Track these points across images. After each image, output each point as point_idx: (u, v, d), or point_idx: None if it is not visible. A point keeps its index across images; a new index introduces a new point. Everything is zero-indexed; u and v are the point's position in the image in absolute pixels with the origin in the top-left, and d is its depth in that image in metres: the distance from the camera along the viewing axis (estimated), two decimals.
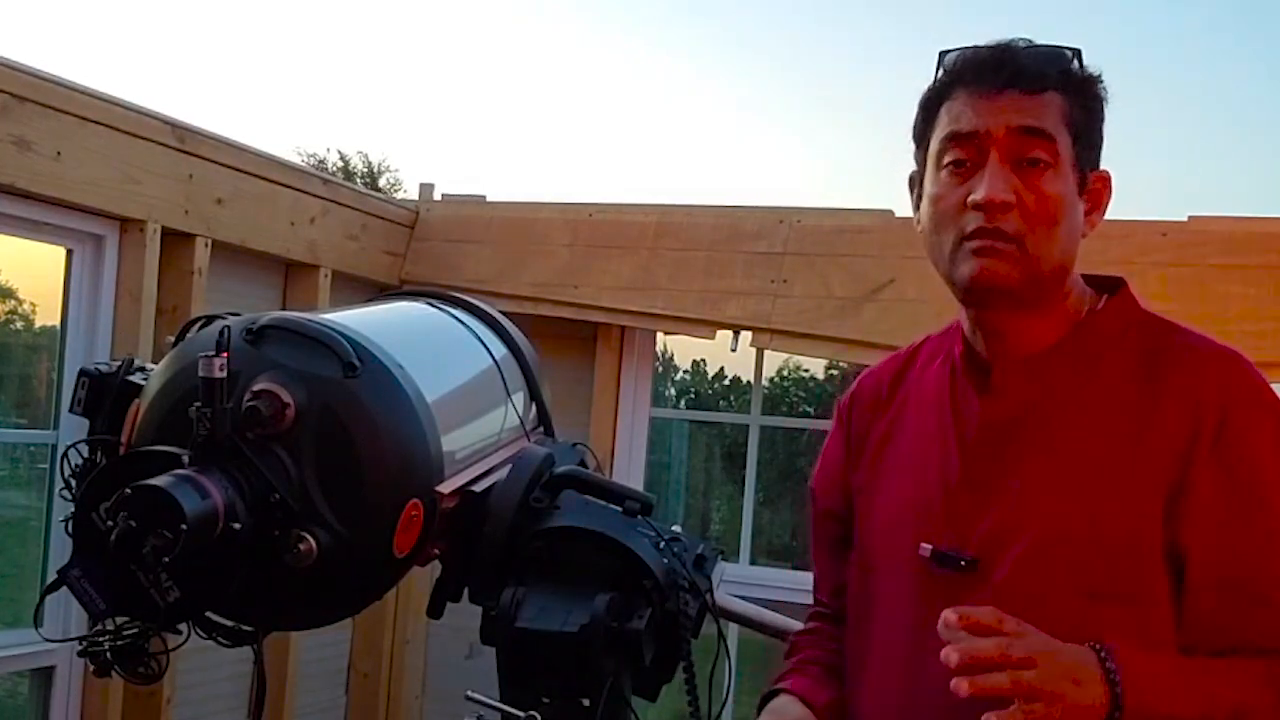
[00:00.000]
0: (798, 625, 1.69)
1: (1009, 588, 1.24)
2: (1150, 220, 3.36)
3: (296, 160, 4.30)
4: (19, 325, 3.90)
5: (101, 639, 1.15)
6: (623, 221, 3.98)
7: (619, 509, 1.27)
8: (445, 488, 1.21)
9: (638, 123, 45.89)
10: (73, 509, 1.12)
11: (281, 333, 1.17)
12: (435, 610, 1.31)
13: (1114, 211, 1.39)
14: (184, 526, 1.00)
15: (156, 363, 1.26)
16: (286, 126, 39.65)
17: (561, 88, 44.83)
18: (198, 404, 1.08)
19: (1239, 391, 1.27)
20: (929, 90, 1.36)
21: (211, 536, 1.05)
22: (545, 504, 1.27)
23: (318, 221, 3.69)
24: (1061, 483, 1.28)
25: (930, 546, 1.31)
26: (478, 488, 1.27)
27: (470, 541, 1.25)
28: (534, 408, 1.49)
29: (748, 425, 4.14)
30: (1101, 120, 1.34)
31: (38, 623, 1.24)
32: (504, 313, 1.52)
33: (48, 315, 3.31)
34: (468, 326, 1.46)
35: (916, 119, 1.38)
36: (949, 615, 1.15)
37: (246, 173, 3.38)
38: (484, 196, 4.33)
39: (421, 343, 1.38)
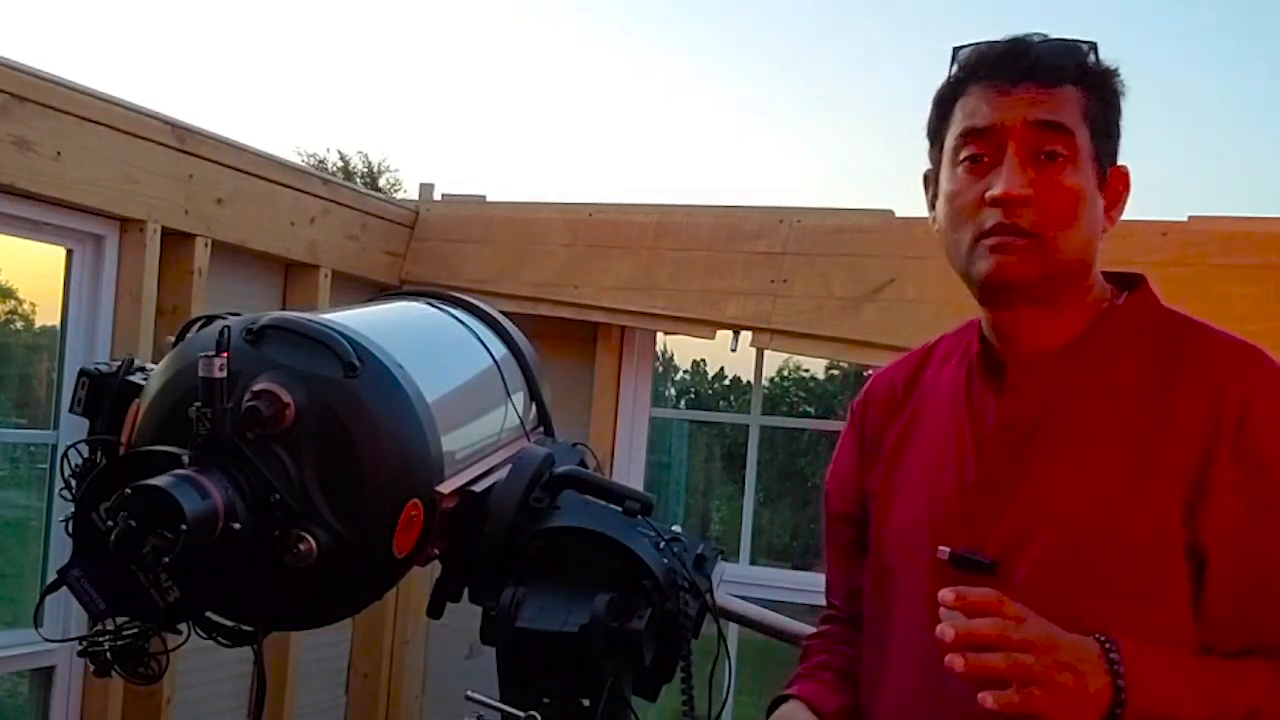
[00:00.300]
0: (797, 625, 1.69)
1: (1028, 589, 1.22)
2: (1150, 220, 3.36)
3: (296, 160, 4.30)
4: (19, 325, 3.90)
5: (101, 639, 1.15)
6: (622, 221, 3.98)
7: (619, 509, 1.27)
8: (445, 488, 1.21)
9: (638, 123, 45.91)
10: (73, 509, 1.12)
11: (281, 333, 1.17)
12: (435, 610, 1.31)
13: None
14: (184, 526, 1.00)
15: (156, 363, 1.26)
16: (286, 126, 39.67)
17: (561, 88, 44.85)
18: (198, 404, 1.08)
19: (1260, 387, 1.25)
20: (943, 86, 1.33)
21: (211, 536, 1.05)
22: (545, 504, 1.27)
23: (318, 221, 3.69)
24: (1080, 482, 1.26)
25: (948, 549, 1.28)
26: (478, 488, 1.27)
27: (470, 541, 1.25)
28: (534, 408, 1.49)
29: (748, 425, 4.14)
30: (1119, 114, 1.32)
31: (38, 623, 1.24)
32: (504, 313, 1.52)
33: (48, 315, 3.32)
34: (468, 326, 1.46)
35: (930, 116, 1.35)
36: (945, 594, 1.14)
37: (246, 173, 3.38)
38: (484, 196, 4.33)
39: (421, 343, 1.38)
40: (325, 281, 3.73)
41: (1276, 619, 1.22)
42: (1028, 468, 1.29)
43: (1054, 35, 1.31)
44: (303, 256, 3.66)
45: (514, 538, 1.24)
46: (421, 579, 1.58)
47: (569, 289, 3.93)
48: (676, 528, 1.30)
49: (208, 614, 1.16)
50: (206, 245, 3.25)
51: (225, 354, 1.08)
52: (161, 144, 3.09)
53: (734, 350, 3.85)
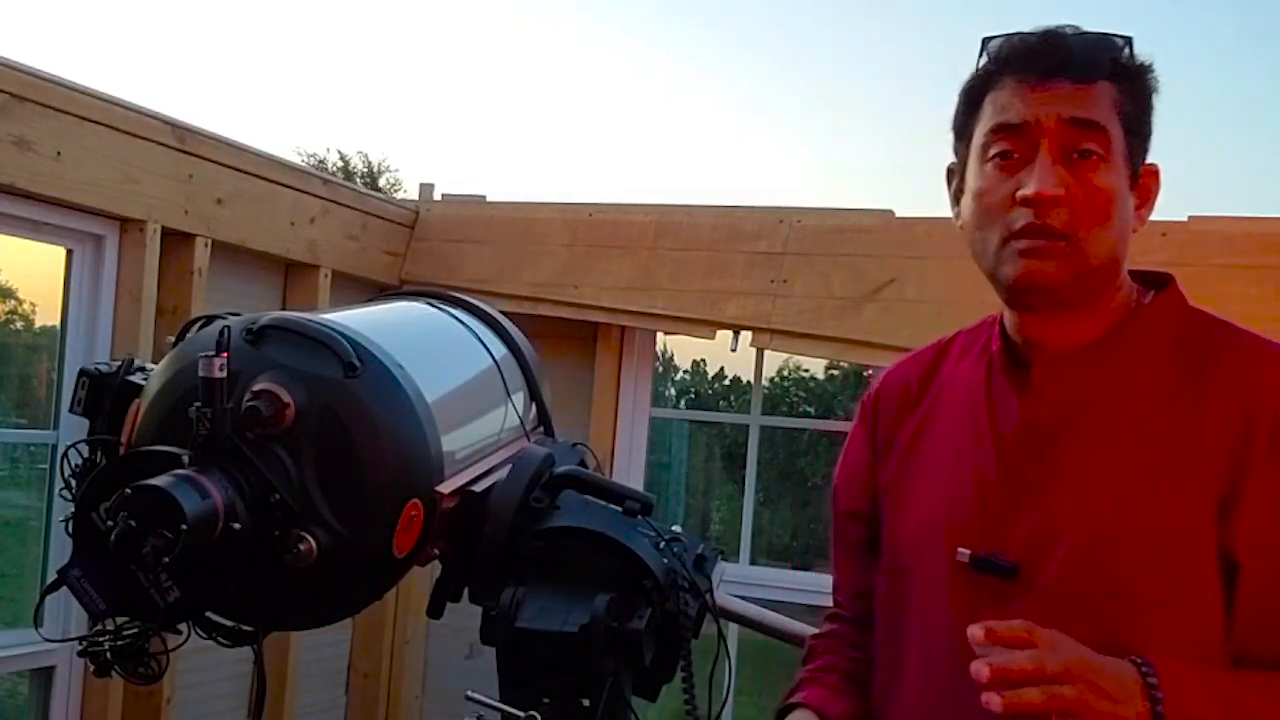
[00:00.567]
0: (797, 625, 1.68)
1: (1052, 594, 1.19)
2: (1150, 220, 3.35)
3: (296, 160, 4.30)
4: (19, 325, 3.91)
5: (101, 639, 1.15)
6: (622, 221, 3.98)
7: (619, 509, 1.27)
8: (445, 488, 1.21)
9: (638, 123, 45.91)
10: (73, 509, 1.12)
11: (281, 333, 1.17)
12: (435, 610, 1.31)
13: None
14: (184, 526, 1.00)
15: (156, 363, 1.26)
16: (286, 126, 39.67)
17: (561, 88, 44.87)
18: (198, 404, 1.08)
19: None
20: (972, 79, 1.29)
21: (211, 536, 1.05)
22: (545, 504, 1.27)
23: (318, 221, 3.69)
24: (1106, 484, 1.22)
25: (968, 551, 1.25)
26: (478, 488, 1.27)
27: (470, 541, 1.25)
28: (534, 408, 1.49)
29: (748, 425, 4.14)
30: (1152, 111, 1.28)
31: (38, 623, 1.24)
32: (504, 313, 1.52)
33: (48, 315, 3.31)
34: (468, 326, 1.46)
35: (957, 109, 1.31)
36: (975, 632, 1.10)
37: (246, 173, 3.38)
38: (484, 196, 4.33)
39: (421, 343, 1.38)
40: (325, 281, 3.73)
41: None
42: (1051, 468, 1.25)
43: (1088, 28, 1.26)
44: (303, 256, 3.65)
45: (514, 538, 1.24)
46: (421, 579, 1.58)
47: (569, 289, 3.93)
48: (676, 528, 1.30)
49: (208, 614, 1.16)
50: (206, 245, 3.25)
51: (225, 354, 1.08)
52: (161, 144, 3.09)
53: (734, 350, 3.85)
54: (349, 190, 4.08)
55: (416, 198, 4.38)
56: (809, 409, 12.22)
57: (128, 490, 1.02)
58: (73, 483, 1.21)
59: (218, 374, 1.07)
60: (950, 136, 1.35)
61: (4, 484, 3.60)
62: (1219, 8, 42.51)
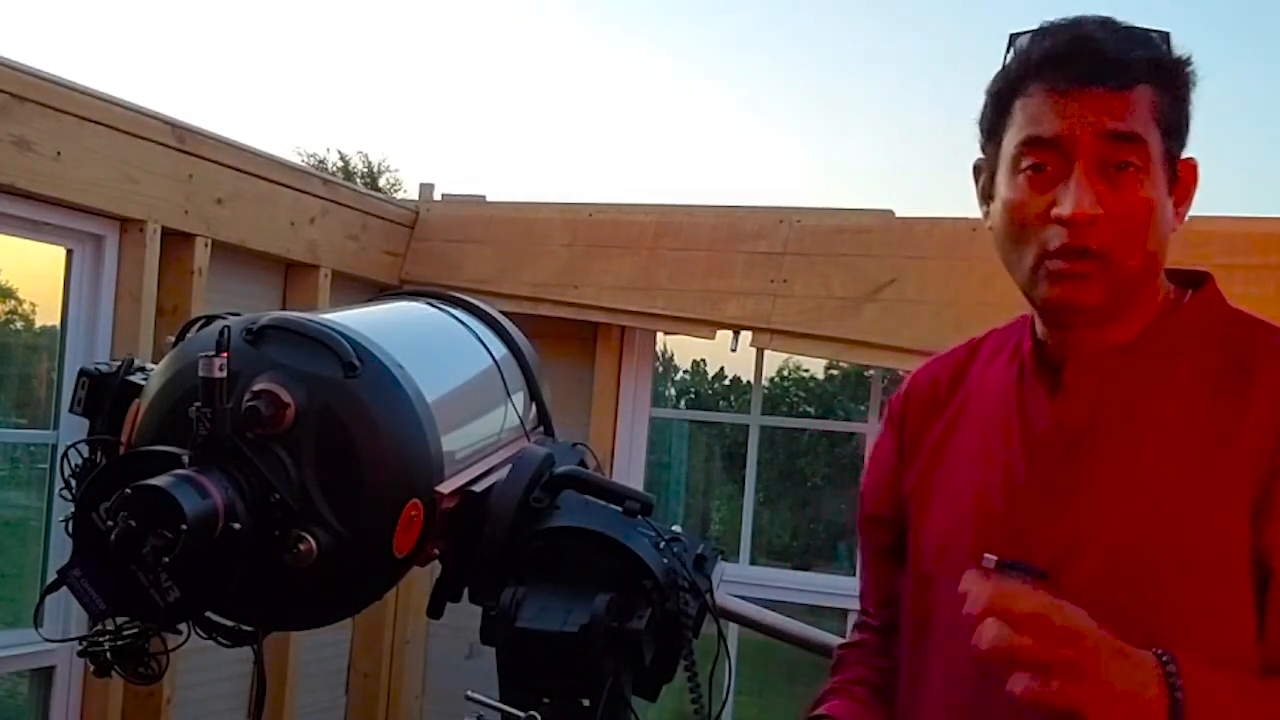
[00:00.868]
0: (797, 625, 1.68)
1: (1082, 601, 1.12)
2: None
3: (296, 160, 4.30)
4: (19, 325, 3.91)
5: (101, 639, 1.15)
6: (622, 221, 3.99)
7: (619, 509, 1.27)
8: (445, 488, 1.21)
9: (638, 123, 45.94)
10: (73, 509, 1.12)
11: (281, 333, 1.16)
12: (435, 610, 1.31)
13: None
14: (184, 526, 1.00)
15: (156, 363, 1.25)
16: (286, 126, 39.69)
17: (561, 88, 44.88)
18: (198, 404, 1.08)
19: None
20: (1000, 79, 1.23)
21: (211, 536, 1.04)
22: (545, 504, 1.27)
23: (318, 221, 3.69)
24: (1139, 489, 1.18)
25: (995, 557, 1.18)
26: (478, 488, 1.27)
27: (470, 541, 1.25)
28: (534, 408, 1.49)
29: (748, 425, 4.14)
30: (1190, 107, 1.22)
31: (38, 623, 1.24)
32: (504, 313, 1.52)
33: (48, 315, 3.32)
34: (468, 326, 1.46)
35: (985, 108, 1.26)
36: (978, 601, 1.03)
37: (246, 173, 3.38)
38: (484, 196, 4.33)
39: (421, 343, 1.38)
40: (325, 281, 3.73)
41: None
42: (1082, 472, 1.21)
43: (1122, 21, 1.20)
44: (303, 256, 3.66)
45: (514, 538, 1.24)
46: (421, 579, 1.58)
47: (569, 289, 3.93)
48: (676, 528, 1.30)
49: (208, 614, 1.16)
50: (206, 245, 3.25)
51: (225, 354, 1.08)
52: (161, 144, 3.09)
53: (734, 350, 3.85)
54: (349, 190, 4.08)
55: (416, 198, 4.38)
56: (809, 409, 12.22)
57: (128, 490, 1.02)
58: (73, 483, 1.20)
59: (218, 374, 1.07)
60: (977, 131, 1.29)
61: (4, 484, 3.60)
62: (1219, 8, 42.53)
